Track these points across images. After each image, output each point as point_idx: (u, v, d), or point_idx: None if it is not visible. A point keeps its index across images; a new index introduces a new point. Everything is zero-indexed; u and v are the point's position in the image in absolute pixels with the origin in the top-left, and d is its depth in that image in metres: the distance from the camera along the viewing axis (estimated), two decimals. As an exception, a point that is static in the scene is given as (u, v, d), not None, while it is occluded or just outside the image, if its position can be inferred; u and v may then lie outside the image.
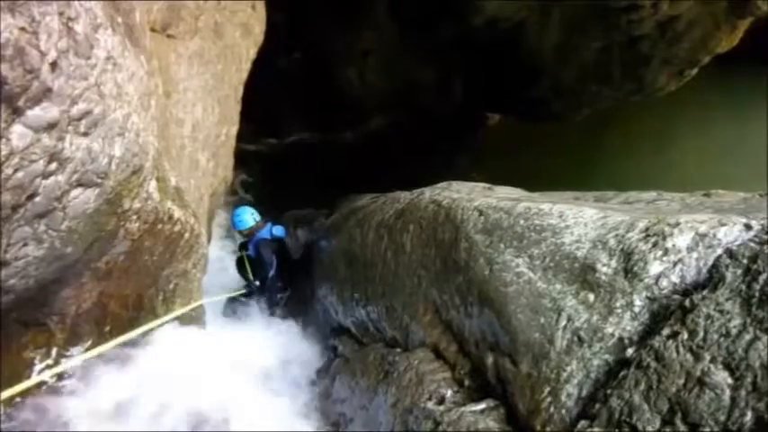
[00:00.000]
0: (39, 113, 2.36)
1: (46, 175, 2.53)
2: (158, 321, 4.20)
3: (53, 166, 2.54)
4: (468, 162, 12.80)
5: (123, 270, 3.76)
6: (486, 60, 12.34)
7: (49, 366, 3.44)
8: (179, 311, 4.60)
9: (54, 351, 3.52)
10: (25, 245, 2.65)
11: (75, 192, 2.77)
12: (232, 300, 7.03)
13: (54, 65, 2.36)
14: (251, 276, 7.11)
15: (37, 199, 2.55)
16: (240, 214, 7.41)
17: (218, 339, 5.47)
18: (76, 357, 3.55)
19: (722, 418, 1.96)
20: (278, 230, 7.51)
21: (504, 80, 12.70)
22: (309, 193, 10.55)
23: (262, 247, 7.14)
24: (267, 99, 10.66)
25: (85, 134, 2.66)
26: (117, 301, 3.92)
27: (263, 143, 12.33)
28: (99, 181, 2.88)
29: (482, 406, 3.20)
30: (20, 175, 2.39)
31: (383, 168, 11.75)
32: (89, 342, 3.71)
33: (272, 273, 7.03)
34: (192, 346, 4.76)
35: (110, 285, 3.73)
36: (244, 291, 7.11)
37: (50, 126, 2.43)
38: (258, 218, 7.42)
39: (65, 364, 3.47)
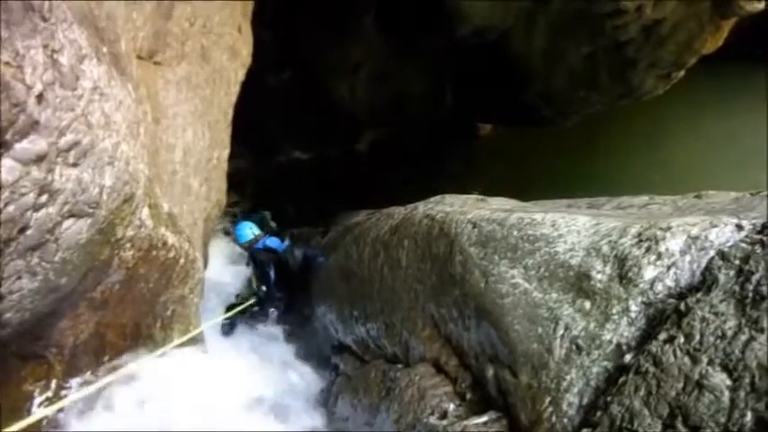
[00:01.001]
0: (27, 146, 2.36)
1: (37, 208, 2.53)
2: (158, 352, 4.18)
3: (44, 198, 2.54)
4: (463, 172, 12.83)
5: (119, 299, 3.75)
6: (475, 68, 12.40)
7: (48, 399, 3.43)
8: (179, 340, 4.58)
9: (53, 383, 3.51)
10: (19, 278, 2.64)
11: (67, 223, 2.76)
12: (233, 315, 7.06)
13: (40, 97, 2.37)
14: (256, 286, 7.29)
15: (29, 232, 2.55)
16: (240, 229, 7.67)
17: (218, 358, 5.45)
18: (76, 391, 3.54)
19: (722, 419, 1.96)
20: (271, 242, 7.61)
21: (493, 87, 12.75)
22: (305, 210, 10.61)
23: (256, 257, 7.36)
24: (258, 119, 10.70)
25: (75, 165, 2.66)
26: (114, 331, 3.91)
27: (256, 163, 12.34)
28: (91, 211, 2.88)
29: (484, 419, 3.19)
30: (10, 208, 2.38)
31: (377, 182, 11.79)
32: (88, 373, 3.70)
33: (272, 279, 7.14)
34: (192, 366, 4.74)
35: (106, 315, 3.72)
36: (249, 301, 7.20)
37: (39, 158, 2.43)
38: (257, 231, 7.62)
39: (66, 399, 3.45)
